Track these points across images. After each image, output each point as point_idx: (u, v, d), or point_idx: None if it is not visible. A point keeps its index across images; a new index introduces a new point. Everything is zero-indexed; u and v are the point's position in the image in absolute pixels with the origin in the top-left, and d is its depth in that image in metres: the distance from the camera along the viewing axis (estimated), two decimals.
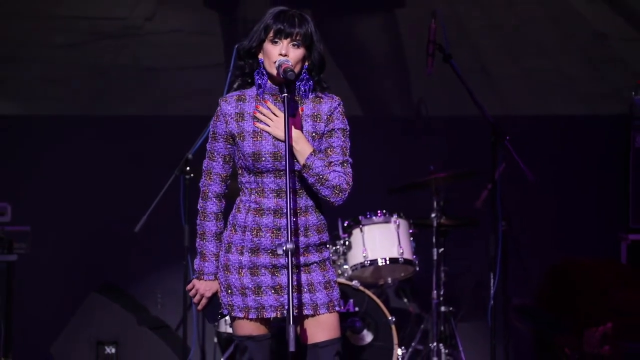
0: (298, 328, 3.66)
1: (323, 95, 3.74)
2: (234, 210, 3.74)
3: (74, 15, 7.01)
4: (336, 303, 3.73)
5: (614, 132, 6.77)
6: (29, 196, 6.70)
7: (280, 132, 3.60)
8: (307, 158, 3.63)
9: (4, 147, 6.85)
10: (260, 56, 3.69)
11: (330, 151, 3.70)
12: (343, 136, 3.73)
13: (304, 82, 3.69)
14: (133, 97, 7.04)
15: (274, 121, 3.64)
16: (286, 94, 3.60)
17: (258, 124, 3.66)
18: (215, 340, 6.45)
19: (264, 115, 3.66)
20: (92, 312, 6.24)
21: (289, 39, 3.64)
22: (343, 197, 3.69)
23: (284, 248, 3.51)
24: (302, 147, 3.64)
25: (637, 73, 6.84)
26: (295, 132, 3.63)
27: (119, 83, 7.04)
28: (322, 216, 3.77)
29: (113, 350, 6.19)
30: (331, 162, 3.68)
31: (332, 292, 3.72)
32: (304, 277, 3.69)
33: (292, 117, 3.67)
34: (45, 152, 6.86)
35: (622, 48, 6.99)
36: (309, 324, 3.69)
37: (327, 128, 3.71)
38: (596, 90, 7.00)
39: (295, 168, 3.66)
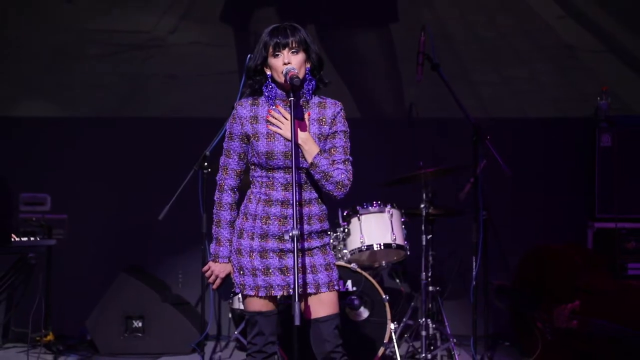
0: (302, 305, 3.66)
1: (327, 101, 3.75)
2: (245, 201, 3.75)
3: (105, 29, 7.02)
4: (335, 283, 3.74)
5: (581, 133, 6.76)
6: (66, 188, 6.71)
7: (290, 134, 3.61)
8: (315, 157, 3.64)
9: (44, 145, 6.86)
10: (268, 71, 3.70)
11: (333, 151, 3.71)
12: (344, 137, 3.75)
13: (307, 82, 3.69)
14: (157, 101, 7.04)
15: (285, 124, 3.65)
16: (292, 99, 3.60)
17: (271, 127, 3.66)
18: (230, 315, 6.46)
19: (275, 118, 3.66)
20: (122, 290, 6.24)
21: (287, 49, 3.65)
22: (345, 191, 3.71)
23: (290, 234, 3.51)
24: (310, 148, 3.65)
25: (602, 80, 6.83)
26: (304, 134, 3.64)
27: (145, 89, 7.05)
28: (324, 207, 3.78)
29: (140, 324, 6.20)
30: (334, 161, 3.69)
31: (331, 273, 3.73)
32: (307, 259, 3.70)
33: (300, 120, 3.68)
34: (80, 149, 6.87)
35: (588, 58, 6.98)
36: (311, 301, 3.70)
37: (330, 130, 3.72)
38: (566, 96, 6.99)
39: (303, 165, 3.67)
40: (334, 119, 3.73)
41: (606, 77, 6.89)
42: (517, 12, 7.02)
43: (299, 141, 3.63)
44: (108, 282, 6.31)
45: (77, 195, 6.76)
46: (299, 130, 3.63)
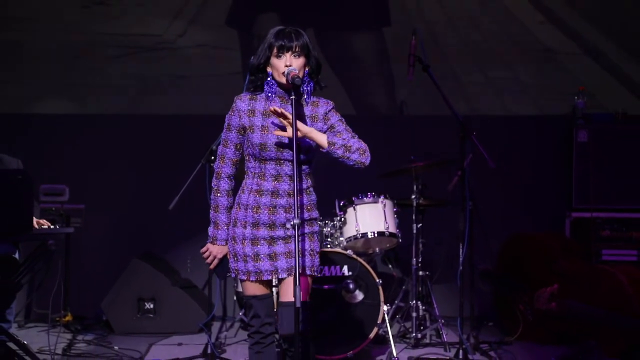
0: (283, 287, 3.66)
1: (320, 100, 3.75)
2: (239, 191, 3.75)
3: (120, 32, 7.03)
4: (316, 268, 3.72)
5: (560, 129, 6.77)
6: (83, 180, 6.72)
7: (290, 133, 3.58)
8: (327, 138, 3.62)
9: (63, 140, 6.86)
10: (269, 69, 3.69)
11: (338, 135, 3.68)
12: (344, 124, 3.74)
13: (305, 84, 3.69)
14: (166, 100, 7.05)
15: (287, 125, 3.60)
16: (293, 97, 3.59)
17: (277, 132, 3.62)
18: (235, 298, 6.47)
19: (279, 115, 3.60)
20: (135, 274, 6.25)
21: (290, 52, 3.64)
22: (368, 156, 3.66)
23: (292, 223, 3.51)
24: (317, 135, 3.63)
25: (579, 81, 6.85)
26: (306, 127, 3.62)
27: (155, 88, 7.05)
28: (312, 197, 3.77)
29: (151, 306, 6.21)
30: (344, 139, 3.67)
31: (313, 259, 3.71)
32: (294, 245, 3.66)
33: (300, 116, 3.67)
34: (96, 144, 6.88)
35: (566, 60, 7.00)
36: (287, 284, 3.66)
37: (325, 126, 3.71)
38: (546, 95, 7.01)
39: (301, 158, 3.66)
40: (326, 115, 3.72)
41: (583, 78, 6.91)
42: (501, 17, 7.03)
43: (309, 134, 3.60)
44: (122, 267, 6.32)
45: (93, 186, 6.77)
46: (299, 124, 3.61)
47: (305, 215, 3.71)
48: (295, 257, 3.47)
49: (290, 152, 3.61)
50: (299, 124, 3.60)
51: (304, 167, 3.72)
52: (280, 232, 3.64)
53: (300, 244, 3.65)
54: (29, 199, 4.83)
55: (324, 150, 3.63)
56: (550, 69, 7.01)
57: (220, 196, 3.75)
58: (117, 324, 6.19)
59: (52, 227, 5.13)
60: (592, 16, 7.01)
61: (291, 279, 3.61)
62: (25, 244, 5.46)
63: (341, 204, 5.72)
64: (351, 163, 3.67)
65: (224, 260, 3.77)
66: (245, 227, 3.68)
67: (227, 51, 7.02)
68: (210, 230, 3.77)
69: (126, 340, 5.93)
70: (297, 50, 3.64)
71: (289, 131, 3.60)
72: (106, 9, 7.02)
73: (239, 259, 3.69)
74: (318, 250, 3.75)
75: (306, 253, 3.69)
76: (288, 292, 3.60)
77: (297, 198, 3.56)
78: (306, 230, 3.71)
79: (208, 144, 5.54)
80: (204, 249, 3.80)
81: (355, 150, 3.65)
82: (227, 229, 3.74)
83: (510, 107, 7.03)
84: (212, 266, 3.79)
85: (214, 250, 3.77)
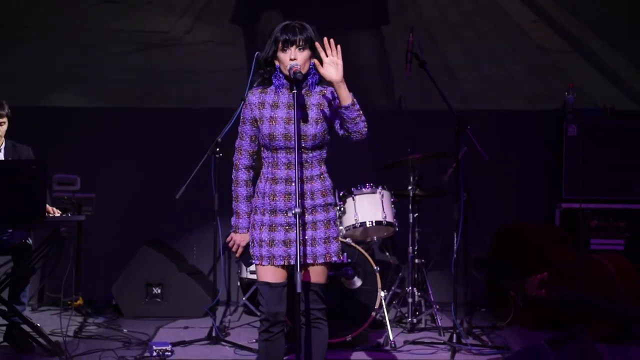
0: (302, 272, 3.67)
1: (327, 89, 3.75)
2: (258, 180, 3.77)
3: (128, 29, 7.02)
4: (333, 254, 3.73)
5: (551, 124, 6.78)
6: (94, 170, 6.73)
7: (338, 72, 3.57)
8: (352, 97, 3.61)
9: (75, 132, 6.87)
10: (276, 63, 3.70)
11: None
12: None
13: (311, 76, 3.71)
14: (174, 93, 7.05)
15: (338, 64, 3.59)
16: (295, 91, 3.61)
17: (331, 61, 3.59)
18: (239, 284, 6.49)
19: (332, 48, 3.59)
20: (143, 260, 6.27)
21: (294, 46, 3.66)
22: (367, 132, 3.67)
23: (294, 212, 3.53)
24: (344, 89, 3.59)
25: (569, 77, 6.86)
26: (340, 75, 3.57)
27: (163, 82, 7.05)
28: (327, 182, 3.76)
29: (159, 291, 6.23)
30: None
31: (329, 246, 3.72)
32: (309, 233, 3.69)
33: (302, 106, 3.69)
34: (106, 136, 6.88)
35: (557, 58, 7.00)
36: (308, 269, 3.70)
37: (331, 110, 3.71)
38: (537, 91, 7.01)
39: (306, 145, 3.67)
40: (331, 99, 3.71)
41: (573, 75, 6.92)
42: (495, 16, 7.03)
43: (339, 83, 3.56)
44: (131, 253, 6.34)
45: (104, 176, 6.78)
46: (340, 64, 3.56)
47: (320, 200, 3.71)
48: (296, 246, 3.49)
49: (300, 141, 3.62)
50: (340, 64, 3.55)
51: (315, 153, 3.71)
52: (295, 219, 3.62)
53: (315, 232, 3.68)
54: (43, 188, 4.86)
55: (345, 105, 3.58)
56: (542, 66, 7.02)
57: (239, 187, 3.77)
58: (126, 308, 6.22)
59: (62, 215, 5.15)
60: (582, 15, 7.01)
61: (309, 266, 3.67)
62: (38, 230, 5.49)
63: (341, 194, 5.74)
64: (357, 128, 3.63)
65: (247, 248, 3.78)
66: (263, 214, 3.70)
67: (232, 47, 7.02)
68: (233, 219, 3.79)
69: (135, 323, 5.96)
70: (301, 43, 3.66)
71: (331, 72, 3.56)
72: (115, 6, 7.02)
73: (255, 244, 3.71)
74: (335, 236, 3.74)
75: (320, 242, 3.69)
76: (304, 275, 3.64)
77: (297, 186, 3.58)
78: (321, 218, 3.70)
79: (213, 136, 5.56)
80: (228, 239, 3.82)
81: (364, 120, 3.64)
82: (249, 217, 3.76)
83: (503, 102, 7.03)
84: (237, 254, 3.81)
85: (237, 239, 3.79)
